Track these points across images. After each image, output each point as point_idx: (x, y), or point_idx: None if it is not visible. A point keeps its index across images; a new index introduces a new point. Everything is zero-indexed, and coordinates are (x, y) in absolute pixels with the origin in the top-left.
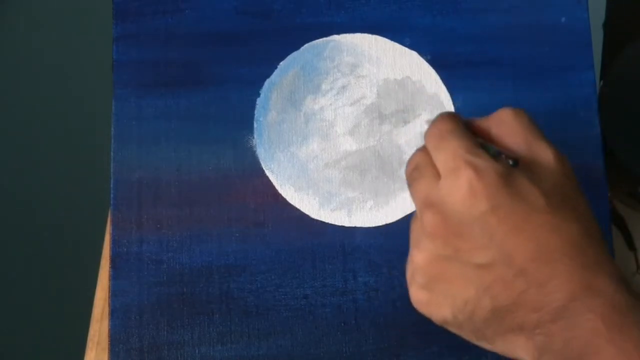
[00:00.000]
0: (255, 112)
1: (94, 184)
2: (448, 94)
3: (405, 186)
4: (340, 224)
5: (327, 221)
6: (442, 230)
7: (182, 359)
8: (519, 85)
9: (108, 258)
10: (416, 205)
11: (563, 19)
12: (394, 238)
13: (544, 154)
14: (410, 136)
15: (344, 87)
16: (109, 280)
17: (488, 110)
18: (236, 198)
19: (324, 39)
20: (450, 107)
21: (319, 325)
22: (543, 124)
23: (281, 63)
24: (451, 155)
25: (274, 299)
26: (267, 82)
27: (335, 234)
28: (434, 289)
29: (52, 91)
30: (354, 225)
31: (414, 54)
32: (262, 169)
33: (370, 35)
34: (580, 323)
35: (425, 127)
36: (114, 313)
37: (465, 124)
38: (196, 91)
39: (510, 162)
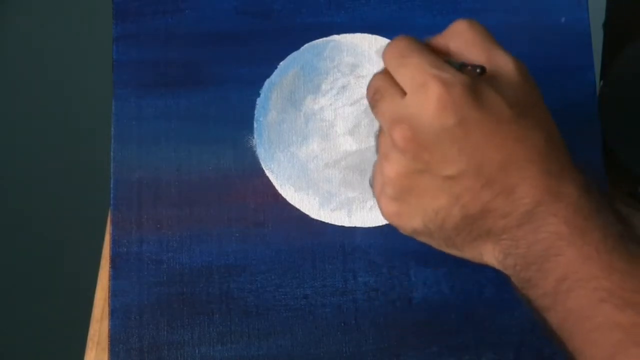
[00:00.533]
0: (255, 112)
1: (94, 184)
2: None
3: None
4: (340, 224)
5: (327, 221)
6: (412, 144)
7: (182, 359)
8: None
9: (108, 258)
10: (383, 123)
11: (563, 19)
12: (394, 238)
13: (504, 62)
14: None
15: (344, 87)
16: (109, 280)
17: None
18: (236, 198)
19: (324, 39)
20: None
21: (319, 325)
22: None
23: (281, 63)
24: (416, 71)
25: (274, 299)
26: (267, 82)
27: (335, 234)
28: (405, 200)
29: (52, 91)
30: (354, 225)
31: None
32: (262, 169)
33: (370, 35)
34: (544, 227)
35: (377, 56)
36: (114, 313)
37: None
38: (196, 91)
39: (478, 70)
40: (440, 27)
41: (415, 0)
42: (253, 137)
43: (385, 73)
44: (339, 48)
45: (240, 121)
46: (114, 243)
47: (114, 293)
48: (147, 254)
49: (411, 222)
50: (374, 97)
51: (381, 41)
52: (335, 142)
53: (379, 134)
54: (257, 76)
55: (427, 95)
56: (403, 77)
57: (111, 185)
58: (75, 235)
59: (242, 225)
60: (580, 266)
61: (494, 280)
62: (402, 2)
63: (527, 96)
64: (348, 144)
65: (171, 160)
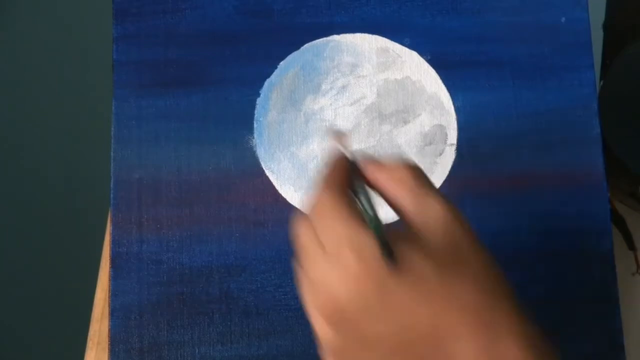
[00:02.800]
0: (255, 112)
1: (94, 184)
2: (448, 94)
3: None
4: None
5: None
6: (335, 313)
7: (182, 359)
8: (519, 85)
9: (108, 258)
10: (308, 280)
11: (563, 19)
12: None
13: (433, 210)
14: (410, 136)
15: (344, 87)
16: (109, 280)
17: (488, 110)
18: (236, 198)
19: (324, 39)
20: (450, 107)
21: None
22: (543, 124)
23: (281, 63)
24: (335, 236)
25: (274, 299)
26: (267, 82)
27: None
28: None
29: (52, 91)
30: None
31: (414, 54)
32: (262, 169)
33: (370, 35)
34: None
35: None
36: (114, 313)
37: (354, 169)
38: (196, 91)
39: (384, 253)
40: (440, 27)
41: (415, 0)
42: (253, 137)
43: (308, 223)
44: (339, 48)
45: (240, 121)
46: (114, 243)
47: (114, 293)
48: (147, 254)
49: None
50: (300, 247)
51: (381, 41)
52: None
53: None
54: (257, 76)
55: (342, 266)
56: (323, 237)
57: (111, 185)
58: (75, 235)
59: (242, 225)
60: None
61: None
62: (402, 2)
63: (457, 247)
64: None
65: (171, 160)
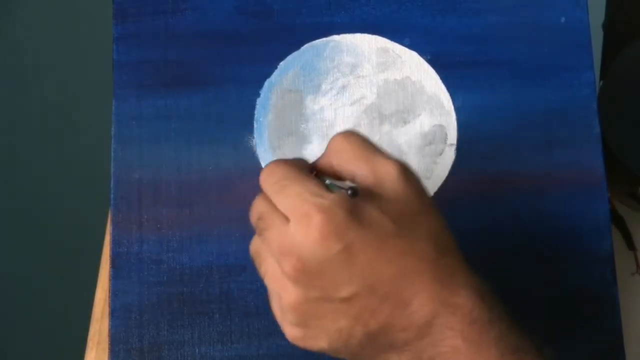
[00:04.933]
0: (255, 112)
1: (94, 184)
2: (448, 94)
3: None
4: None
5: None
6: (303, 274)
7: (182, 359)
8: (519, 85)
9: (108, 258)
10: (271, 253)
11: (563, 19)
12: None
13: (386, 172)
14: (410, 136)
15: (344, 87)
16: (109, 280)
17: (488, 110)
18: (236, 198)
19: (324, 39)
20: (450, 107)
21: None
22: (543, 124)
23: (281, 63)
24: (297, 200)
25: None
26: (267, 82)
27: None
28: (308, 325)
29: (52, 91)
30: None
31: (414, 54)
32: (262, 169)
33: (370, 35)
34: (442, 341)
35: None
36: (114, 313)
37: (308, 168)
38: (196, 91)
39: (349, 192)
40: (440, 27)
41: (415, 0)
42: (253, 137)
43: (266, 198)
44: (339, 48)
45: (240, 121)
46: (114, 243)
47: (114, 293)
48: (147, 254)
49: (317, 343)
50: (259, 224)
51: (381, 41)
52: None
53: (265, 262)
54: (257, 76)
55: (309, 225)
56: (284, 205)
57: (111, 185)
58: (75, 235)
59: (242, 225)
60: None
61: None
62: (402, 2)
63: (410, 205)
64: None
65: (171, 160)
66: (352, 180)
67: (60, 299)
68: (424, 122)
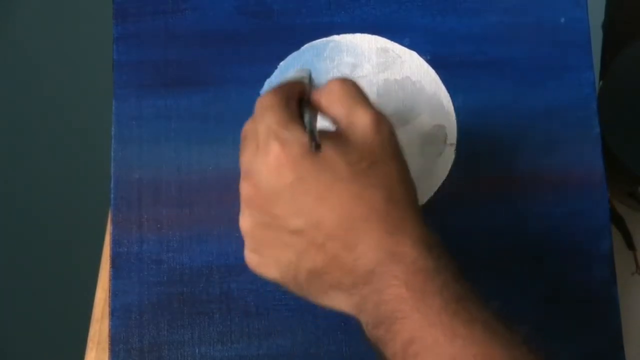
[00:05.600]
0: None
1: (94, 184)
2: (448, 94)
3: None
4: None
5: None
6: (256, 199)
7: (182, 359)
8: (519, 85)
9: (108, 258)
10: (241, 175)
11: (563, 19)
12: None
13: (361, 118)
14: (410, 136)
15: None
16: (109, 280)
17: (488, 110)
18: (236, 198)
19: (324, 39)
20: (450, 107)
21: (319, 326)
22: (543, 124)
23: (281, 63)
24: (265, 129)
25: (274, 298)
26: (267, 82)
27: None
28: (261, 252)
29: (52, 91)
30: None
31: (414, 54)
32: None
33: (370, 35)
34: (387, 289)
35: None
36: (114, 313)
37: (297, 94)
38: (196, 91)
39: (313, 144)
40: (440, 27)
41: (415, 0)
42: None
43: (253, 121)
44: (339, 48)
45: (240, 121)
46: (114, 243)
47: (114, 293)
48: (147, 254)
49: (270, 272)
50: (242, 143)
51: (381, 41)
52: None
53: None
54: (257, 76)
55: (268, 153)
56: (258, 132)
57: (111, 185)
58: (75, 235)
59: None
60: (425, 332)
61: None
62: (402, 2)
63: (372, 152)
64: None
65: (171, 160)
66: (332, 122)
67: (60, 299)
68: (424, 122)
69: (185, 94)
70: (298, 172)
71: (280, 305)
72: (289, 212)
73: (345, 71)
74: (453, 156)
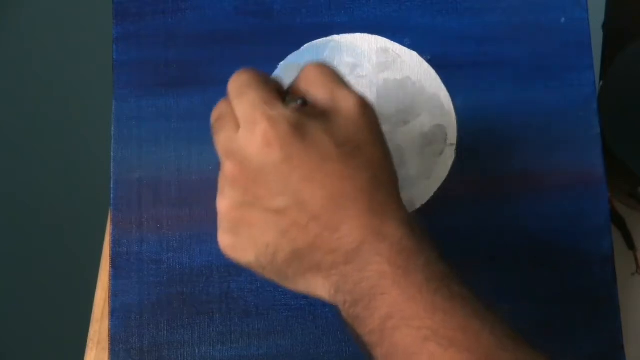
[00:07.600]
0: None
1: (94, 184)
2: (448, 94)
3: (405, 185)
4: None
5: None
6: (241, 178)
7: (182, 359)
8: (519, 86)
9: (108, 258)
10: (219, 154)
11: (563, 19)
12: None
13: (345, 101)
14: (410, 136)
15: None
16: (109, 280)
17: (488, 110)
18: None
19: (324, 39)
20: (450, 107)
21: (319, 325)
22: (543, 124)
23: (281, 63)
24: (248, 106)
25: (274, 299)
26: None
27: None
28: (238, 234)
29: (52, 91)
30: None
31: (414, 54)
32: None
33: (370, 35)
34: (369, 266)
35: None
36: (114, 313)
37: (275, 85)
38: (196, 91)
39: (299, 101)
40: (440, 27)
41: (415, 0)
42: None
43: (227, 102)
44: (338, 48)
45: None
46: (114, 243)
47: (114, 293)
48: (147, 254)
49: (245, 255)
50: (216, 124)
51: (381, 41)
52: None
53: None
54: None
55: (253, 132)
56: (238, 111)
57: (111, 185)
58: (75, 235)
59: None
60: (405, 305)
61: None
62: (402, 2)
63: (358, 135)
64: None
65: (171, 160)
66: (314, 104)
67: (60, 299)
68: (424, 122)
69: (185, 94)
70: (286, 151)
71: (280, 305)
72: (274, 191)
73: (345, 71)
74: (453, 156)
